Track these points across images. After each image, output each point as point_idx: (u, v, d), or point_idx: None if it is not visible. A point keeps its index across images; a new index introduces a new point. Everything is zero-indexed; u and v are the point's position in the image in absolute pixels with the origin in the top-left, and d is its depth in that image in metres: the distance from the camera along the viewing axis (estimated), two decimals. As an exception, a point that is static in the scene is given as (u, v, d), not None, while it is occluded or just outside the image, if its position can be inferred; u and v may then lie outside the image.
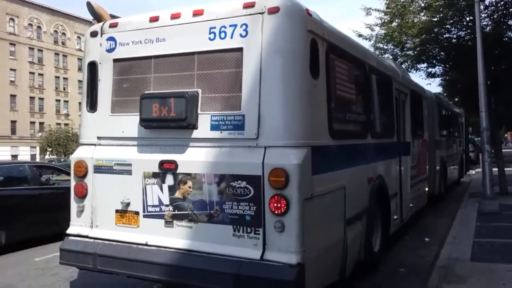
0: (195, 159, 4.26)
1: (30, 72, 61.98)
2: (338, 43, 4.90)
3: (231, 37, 4.18)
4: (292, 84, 4.00)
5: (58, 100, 65.85)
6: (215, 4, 4.42)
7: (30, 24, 61.98)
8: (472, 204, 11.14)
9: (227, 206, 4.06)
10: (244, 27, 4.12)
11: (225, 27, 4.21)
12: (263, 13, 4.05)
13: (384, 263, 6.31)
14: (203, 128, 4.24)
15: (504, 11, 13.19)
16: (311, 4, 4.72)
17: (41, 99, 63.33)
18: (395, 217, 7.14)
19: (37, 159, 57.03)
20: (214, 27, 4.27)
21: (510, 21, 13.70)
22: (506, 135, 66.93)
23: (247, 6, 4.13)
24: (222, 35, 4.23)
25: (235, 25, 4.16)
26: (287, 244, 3.81)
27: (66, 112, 66.36)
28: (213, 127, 4.20)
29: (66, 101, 66.71)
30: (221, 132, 4.16)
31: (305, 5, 4.23)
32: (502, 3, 13.10)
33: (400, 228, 7.76)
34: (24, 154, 58.78)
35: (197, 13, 4.40)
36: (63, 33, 66.83)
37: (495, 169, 12.02)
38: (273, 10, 4.01)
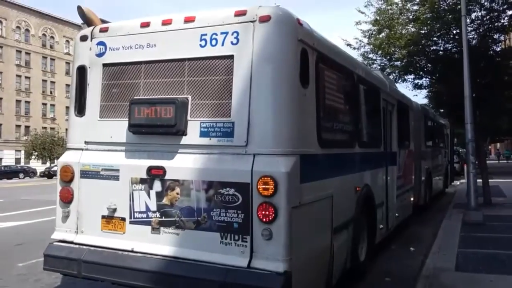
0: (184, 165, 4.25)
1: (17, 75, 61.38)
2: (328, 53, 4.95)
3: (222, 45, 4.20)
4: (282, 93, 4.02)
5: (44, 104, 65.24)
6: (207, 11, 4.44)
7: (18, 27, 61.47)
8: (457, 215, 11.25)
9: (215, 213, 4.05)
10: (235, 34, 4.14)
11: (216, 34, 4.23)
12: (254, 21, 4.07)
13: (369, 272, 6.33)
14: (192, 135, 4.24)
15: (490, 25, 13.45)
16: (303, 14, 4.75)
17: (27, 102, 62.67)
18: (381, 226, 7.19)
19: (22, 163, 56.41)
20: (205, 34, 4.28)
21: (495, 35, 13.99)
22: (490, 147, 67.84)
23: (238, 14, 4.15)
24: (213, 42, 4.24)
25: (226, 33, 4.18)
26: (275, 252, 3.81)
27: (53, 116, 65.74)
28: (203, 134, 4.20)
29: (52, 105, 66.11)
30: (210, 139, 4.16)
31: (296, 15, 4.27)
32: (488, 17, 13.36)
33: (386, 237, 7.81)
34: (9, 157, 58.03)
35: (188, 20, 4.41)
36: (52, 37, 66.37)
37: (479, 180, 12.18)
38: (264, 19, 4.04)
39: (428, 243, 8.22)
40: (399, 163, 8.74)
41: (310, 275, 4.34)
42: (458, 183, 21.92)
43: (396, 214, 8.33)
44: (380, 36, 15.16)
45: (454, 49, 13.97)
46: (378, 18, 15.02)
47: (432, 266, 6.37)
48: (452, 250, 7.37)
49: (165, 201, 4.31)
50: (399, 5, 14.69)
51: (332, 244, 4.82)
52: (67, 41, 67.13)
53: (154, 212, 4.35)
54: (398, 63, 15.39)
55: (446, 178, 17.76)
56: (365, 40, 15.86)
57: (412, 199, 10.27)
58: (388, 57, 15.36)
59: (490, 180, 13.73)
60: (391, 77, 14.73)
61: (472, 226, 9.59)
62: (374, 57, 16.10)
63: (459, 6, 11.44)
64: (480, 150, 13.86)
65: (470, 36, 13.06)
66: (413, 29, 14.46)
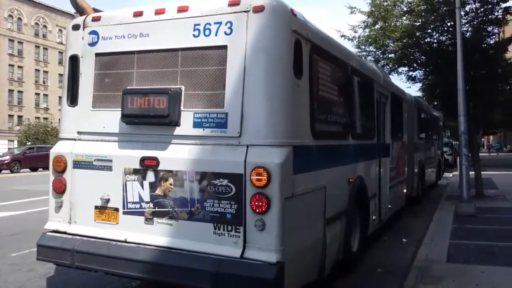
0: (177, 156, 4.24)
1: (10, 65, 60.85)
2: (322, 44, 4.94)
3: (216, 35, 4.17)
4: (275, 84, 4.01)
5: (37, 94, 64.79)
6: (200, 1, 4.41)
7: (10, 16, 60.80)
8: (449, 207, 11.32)
9: (208, 204, 4.06)
10: (229, 25, 4.12)
11: (209, 24, 4.20)
12: (248, 11, 4.05)
13: (362, 263, 6.38)
14: (186, 125, 4.23)
15: (484, 18, 13.46)
16: (297, 5, 4.74)
17: (20, 92, 62.20)
18: (373, 217, 7.23)
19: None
20: (199, 24, 4.25)
21: (489, 27, 14.00)
22: (483, 139, 68.22)
23: (232, 4, 4.13)
24: (207, 32, 4.21)
25: (220, 23, 4.16)
26: (267, 243, 3.82)
27: (46, 106, 65.30)
28: (196, 125, 4.19)
29: (45, 95, 65.66)
30: (203, 129, 4.15)
31: (290, 5, 4.25)
32: (482, 10, 13.36)
33: (378, 228, 7.86)
34: (2, 147, 57.58)
35: (181, 10, 4.38)
36: (44, 26, 65.73)
37: (472, 173, 12.26)
38: (258, 9, 4.01)
39: (420, 235, 8.28)
40: (392, 155, 8.77)
41: (302, 265, 4.37)
42: (450, 175, 22.06)
43: (389, 206, 8.38)
44: (375, 27, 15.13)
45: (448, 41, 13.98)
46: (373, 9, 14.98)
47: (424, 257, 6.42)
48: (444, 241, 7.44)
49: (158, 191, 4.30)
50: None
51: (324, 235, 4.84)
52: (60, 30, 66.50)
53: (147, 202, 4.35)
54: (392, 55, 15.39)
55: (438, 170, 17.86)
56: (360, 31, 15.83)
57: (404, 190, 10.33)
58: (383, 49, 15.34)
59: (482, 173, 13.82)
60: (385, 69, 14.73)
61: (464, 218, 9.66)
62: (368, 49, 16.08)
63: (453, -2, 11.43)
64: (473, 142, 13.94)
65: (464, 29, 13.08)
66: (407, 21, 14.45)
